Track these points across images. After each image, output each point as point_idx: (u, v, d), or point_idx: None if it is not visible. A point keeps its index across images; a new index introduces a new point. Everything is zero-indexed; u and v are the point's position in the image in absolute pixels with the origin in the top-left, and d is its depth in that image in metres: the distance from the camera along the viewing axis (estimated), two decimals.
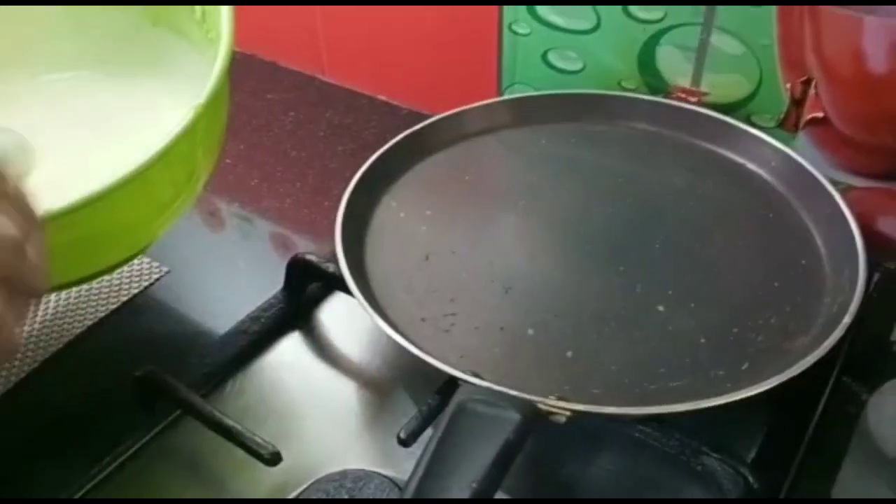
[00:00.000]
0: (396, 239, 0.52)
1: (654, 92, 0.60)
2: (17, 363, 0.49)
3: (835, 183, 0.52)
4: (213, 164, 0.49)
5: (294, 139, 0.70)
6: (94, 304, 0.53)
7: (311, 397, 0.47)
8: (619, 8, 0.57)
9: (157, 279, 0.55)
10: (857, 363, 0.46)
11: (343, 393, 0.48)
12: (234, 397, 0.47)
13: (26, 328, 0.51)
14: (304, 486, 0.41)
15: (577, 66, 0.62)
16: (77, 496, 0.42)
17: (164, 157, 0.41)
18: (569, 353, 0.44)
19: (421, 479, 0.31)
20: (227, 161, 0.66)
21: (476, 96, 0.61)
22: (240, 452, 0.41)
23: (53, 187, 0.37)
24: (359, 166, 0.54)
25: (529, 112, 0.61)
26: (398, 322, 0.45)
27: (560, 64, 0.63)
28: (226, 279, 0.56)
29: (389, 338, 0.42)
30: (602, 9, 0.58)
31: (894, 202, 0.53)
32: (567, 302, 0.47)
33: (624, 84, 0.61)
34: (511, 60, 0.65)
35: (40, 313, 0.52)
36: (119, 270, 0.55)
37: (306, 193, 0.64)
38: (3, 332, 0.30)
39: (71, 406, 0.47)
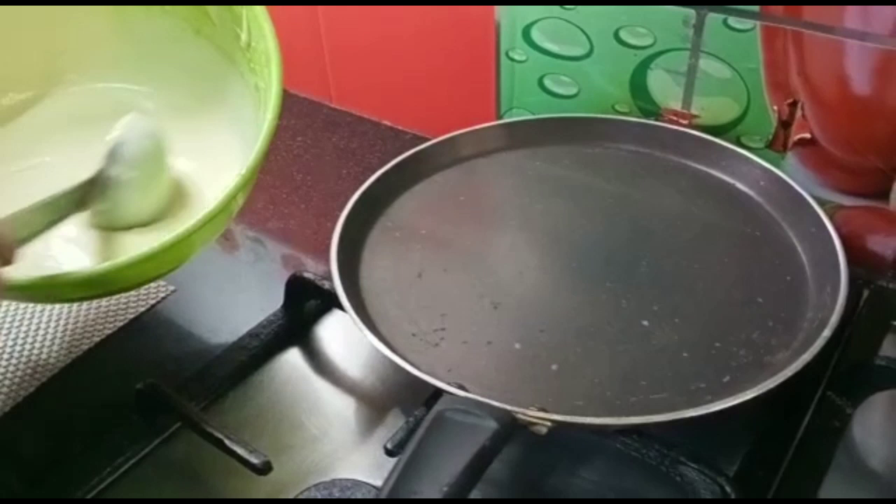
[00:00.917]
0: (391, 257, 0.53)
1: (646, 115, 0.61)
2: (27, 378, 0.51)
3: (823, 202, 0.53)
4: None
5: (300, 163, 0.72)
6: (102, 322, 0.55)
7: (308, 410, 0.49)
8: (610, 34, 0.59)
9: (164, 298, 0.57)
10: (842, 379, 0.46)
11: (338, 406, 0.49)
12: (234, 410, 0.49)
13: (37, 345, 0.53)
14: (294, 495, 0.42)
15: (573, 90, 0.64)
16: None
17: (207, 222, 0.43)
18: (554, 367, 0.45)
19: (396, 480, 0.32)
20: None
21: (476, 120, 0.63)
22: (235, 463, 0.43)
23: None
24: None
25: (523, 135, 0.62)
26: (389, 337, 0.46)
27: (556, 89, 0.65)
28: (229, 297, 0.58)
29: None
30: (594, 35, 0.60)
31: (882, 220, 0.54)
32: (554, 317, 0.48)
33: (617, 108, 0.62)
34: (509, 86, 0.67)
35: (51, 331, 0.54)
36: None
37: (311, 215, 0.66)
38: None
39: (76, 418, 0.49)
